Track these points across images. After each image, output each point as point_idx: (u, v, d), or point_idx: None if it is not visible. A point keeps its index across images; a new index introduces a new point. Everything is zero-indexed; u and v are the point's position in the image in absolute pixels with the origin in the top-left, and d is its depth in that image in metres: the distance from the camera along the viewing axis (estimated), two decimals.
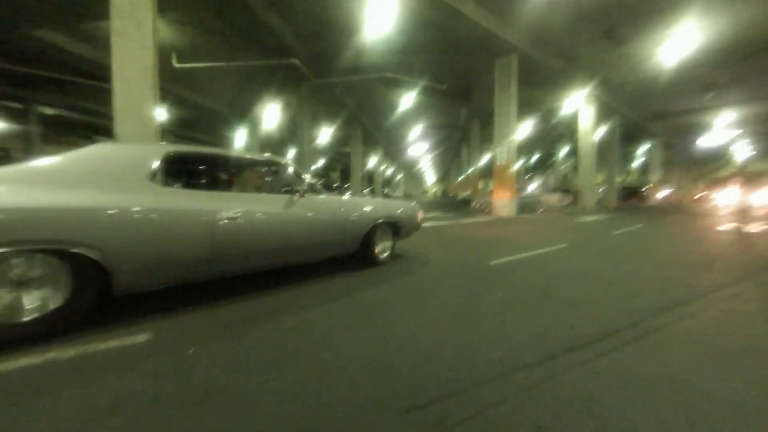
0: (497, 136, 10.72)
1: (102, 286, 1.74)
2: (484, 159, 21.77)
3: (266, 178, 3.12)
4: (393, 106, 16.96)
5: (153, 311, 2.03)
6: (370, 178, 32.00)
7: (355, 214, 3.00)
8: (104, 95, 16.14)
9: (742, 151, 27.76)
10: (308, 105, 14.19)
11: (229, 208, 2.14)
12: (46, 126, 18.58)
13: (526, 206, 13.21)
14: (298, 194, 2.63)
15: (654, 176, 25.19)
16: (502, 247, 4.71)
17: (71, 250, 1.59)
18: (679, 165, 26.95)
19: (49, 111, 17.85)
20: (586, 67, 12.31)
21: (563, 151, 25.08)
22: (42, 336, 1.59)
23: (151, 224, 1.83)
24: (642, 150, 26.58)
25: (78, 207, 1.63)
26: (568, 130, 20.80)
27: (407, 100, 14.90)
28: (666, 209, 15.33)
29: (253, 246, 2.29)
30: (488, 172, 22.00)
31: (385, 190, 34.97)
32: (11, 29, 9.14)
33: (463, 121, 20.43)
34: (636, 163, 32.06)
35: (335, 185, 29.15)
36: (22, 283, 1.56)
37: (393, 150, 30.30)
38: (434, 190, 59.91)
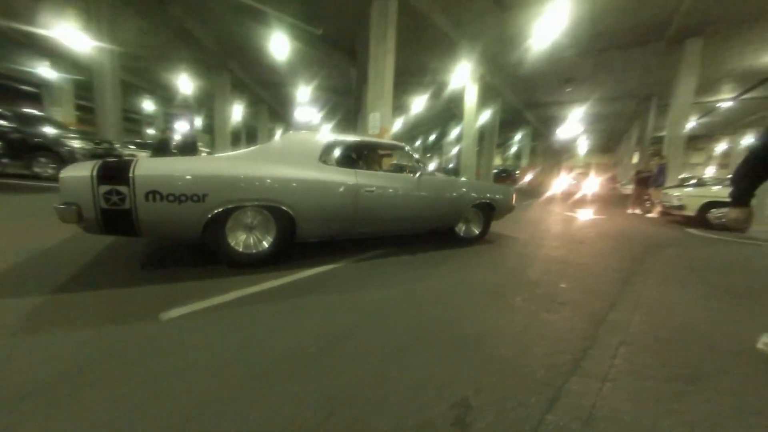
0: (371, 97, 8.99)
1: (291, 234, 2.66)
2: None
3: (391, 159, 4.22)
4: (267, 52, 13.58)
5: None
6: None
7: (458, 193, 3.62)
8: None
9: (584, 145, 33.77)
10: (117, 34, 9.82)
11: (368, 183, 2.94)
12: None
13: None
14: (415, 174, 3.31)
15: (524, 162, 28.35)
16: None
17: (279, 206, 2.54)
18: (543, 153, 30.95)
19: None
20: (471, 34, 11.49)
21: (454, 131, 25.60)
22: (262, 263, 2.59)
23: (318, 191, 2.70)
24: (517, 137, 29.60)
25: (281, 178, 2.55)
26: (458, 109, 20.95)
27: (280, 44, 11.87)
28: (529, 192, 16.73)
29: (383, 213, 3.07)
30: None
31: None
32: None
33: (355, 86, 18.33)
34: (513, 150, 36.04)
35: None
36: (253, 228, 2.60)
37: (284, 113, 26.26)
38: None
